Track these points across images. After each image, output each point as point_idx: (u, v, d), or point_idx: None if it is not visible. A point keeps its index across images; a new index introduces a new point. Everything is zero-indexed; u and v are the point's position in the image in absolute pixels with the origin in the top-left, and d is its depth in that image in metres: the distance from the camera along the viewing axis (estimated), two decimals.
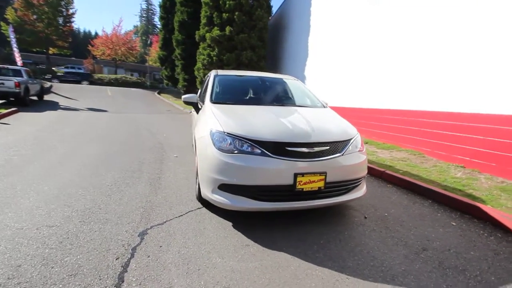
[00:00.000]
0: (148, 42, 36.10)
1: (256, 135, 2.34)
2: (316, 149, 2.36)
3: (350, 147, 2.54)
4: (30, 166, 3.84)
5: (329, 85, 9.03)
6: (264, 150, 2.27)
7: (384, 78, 6.32)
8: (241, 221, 2.52)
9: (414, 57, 5.53)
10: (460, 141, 4.54)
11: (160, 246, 2.08)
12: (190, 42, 15.63)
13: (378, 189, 3.62)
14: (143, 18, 70.21)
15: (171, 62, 19.11)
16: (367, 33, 7.05)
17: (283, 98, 3.65)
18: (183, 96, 3.60)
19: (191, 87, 17.73)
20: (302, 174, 2.26)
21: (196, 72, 14.36)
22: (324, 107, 3.49)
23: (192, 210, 2.74)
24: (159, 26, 26.03)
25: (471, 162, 4.32)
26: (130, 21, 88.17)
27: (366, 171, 2.66)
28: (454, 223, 2.69)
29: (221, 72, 3.87)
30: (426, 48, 5.26)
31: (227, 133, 2.39)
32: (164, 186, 3.37)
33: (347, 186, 2.51)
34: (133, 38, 42.67)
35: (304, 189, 2.29)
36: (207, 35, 13.05)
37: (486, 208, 2.77)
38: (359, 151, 2.61)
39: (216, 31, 12.77)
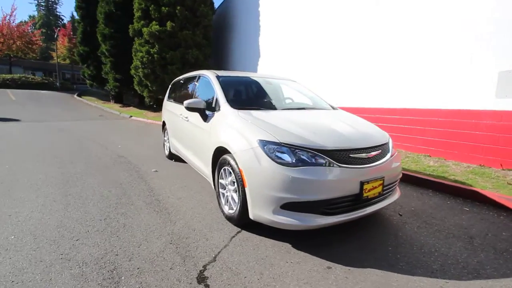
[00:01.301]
0: (55, 35, 30.32)
1: (317, 143, 2.13)
2: (373, 153, 2.29)
3: (390, 149, 2.56)
4: None
5: None
6: (330, 160, 2.07)
7: (349, 77, 6.78)
8: (297, 241, 2.26)
9: (378, 60, 6.08)
10: (422, 133, 5.21)
11: None
12: (121, 36, 13.80)
13: None
14: (42, 7, 59.08)
15: (95, 59, 16.53)
16: (326, 32, 7.44)
17: (300, 101, 3.47)
18: (187, 102, 3.04)
19: (124, 88, 15.76)
20: (368, 181, 2.15)
21: (133, 71, 12.77)
22: (334, 108, 3.47)
23: (234, 236, 2.33)
24: (65, 17, 22.07)
25: (435, 151, 5.00)
26: (24, 11, 72.70)
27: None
28: (467, 209, 3.02)
29: (221, 73, 3.44)
30: (389, 53, 5.85)
31: (284, 143, 2.10)
32: (174, 211, 2.81)
33: (392, 188, 2.53)
34: (31, 30, 35.44)
35: (369, 196, 2.19)
36: (144, 29, 11.74)
37: (483, 191, 3.21)
38: (394, 152, 2.65)
39: (155, 26, 11.59)
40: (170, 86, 5.40)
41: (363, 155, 2.22)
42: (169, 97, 5.18)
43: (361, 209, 2.23)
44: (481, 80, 4.31)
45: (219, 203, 2.74)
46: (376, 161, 2.28)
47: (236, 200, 2.40)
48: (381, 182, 2.26)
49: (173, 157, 4.89)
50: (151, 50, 11.86)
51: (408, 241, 2.32)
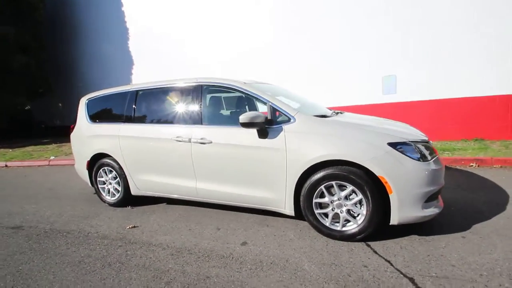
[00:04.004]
0: None
1: (423, 137, 2.41)
2: None
3: None
4: None
5: None
6: (432, 149, 2.41)
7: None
8: (415, 231, 2.42)
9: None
10: None
11: None
12: None
13: None
14: None
15: None
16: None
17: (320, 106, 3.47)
18: (245, 116, 2.33)
19: None
20: None
21: None
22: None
23: (378, 255, 2.16)
24: None
25: None
26: None
27: None
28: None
29: (247, 81, 2.87)
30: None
31: (411, 141, 2.23)
32: (289, 265, 2.15)
33: None
34: None
35: None
36: None
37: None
38: None
39: None
40: (92, 101, 3.72)
41: None
42: (101, 119, 3.59)
43: None
44: (375, 83, 6.09)
45: (320, 227, 2.38)
46: None
47: (363, 213, 2.23)
48: None
49: (128, 202, 3.46)
50: None
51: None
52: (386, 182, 2.13)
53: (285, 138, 2.42)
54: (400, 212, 2.15)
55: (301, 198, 2.41)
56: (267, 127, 2.50)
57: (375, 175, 2.16)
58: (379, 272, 1.91)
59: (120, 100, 3.43)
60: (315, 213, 2.39)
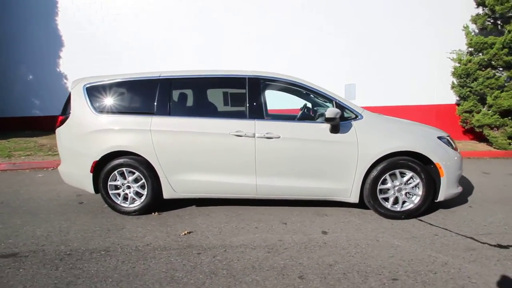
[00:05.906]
0: None
1: (445, 132, 3.09)
2: None
3: None
4: None
5: None
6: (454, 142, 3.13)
7: None
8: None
9: None
10: None
11: None
12: None
13: None
14: None
15: None
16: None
17: None
18: (332, 112, 2.47)
19: None
20: None
21: None
22: None
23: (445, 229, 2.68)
24: None
25: None
26: None
27: None
28: None
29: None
30: None
31: (446, 136, 2.86)
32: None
33: None
34: None
35: None
36: None
37: None
38: None
39: None
40: (95, 88, 3.03)
41: None
42: (116, 110, 2.98)
43: None
44: (338, 91, 6.94)
45: (383, 210, 2.76)
46: None
47: (419, 194, 2.72)
48: None
49: (154, 208, 3.02)
50: None
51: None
52: (440, 168, 2.68)
53: (356, 133, 2.69)
54: (447, 190, 2.75)
55: (367, 186, 2.74)
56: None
57: (428, 162, 2.69)
58: (448, 237, 2.43)
59: (146, 89, 2.92)
60: (379, 198, 2.76)
